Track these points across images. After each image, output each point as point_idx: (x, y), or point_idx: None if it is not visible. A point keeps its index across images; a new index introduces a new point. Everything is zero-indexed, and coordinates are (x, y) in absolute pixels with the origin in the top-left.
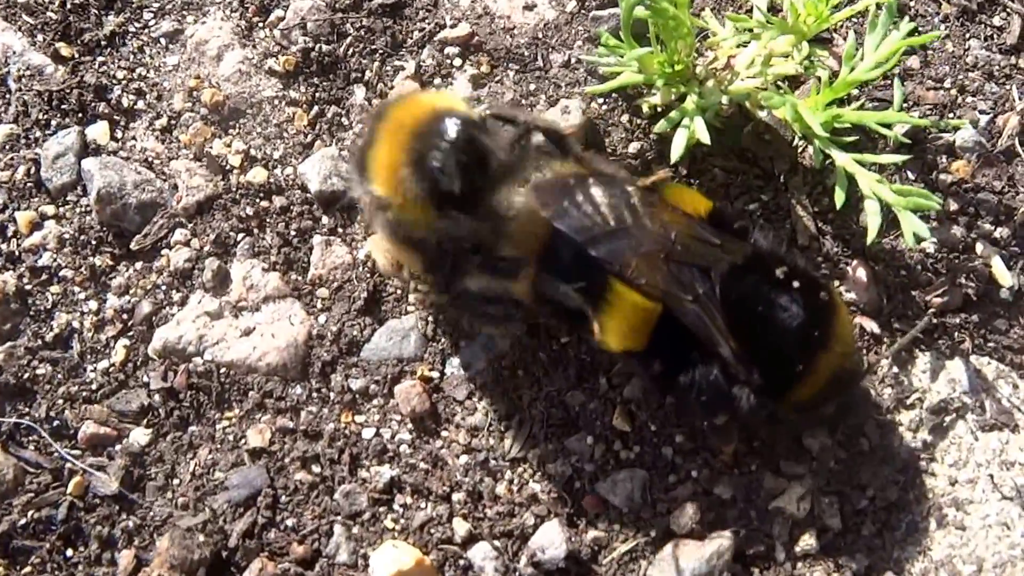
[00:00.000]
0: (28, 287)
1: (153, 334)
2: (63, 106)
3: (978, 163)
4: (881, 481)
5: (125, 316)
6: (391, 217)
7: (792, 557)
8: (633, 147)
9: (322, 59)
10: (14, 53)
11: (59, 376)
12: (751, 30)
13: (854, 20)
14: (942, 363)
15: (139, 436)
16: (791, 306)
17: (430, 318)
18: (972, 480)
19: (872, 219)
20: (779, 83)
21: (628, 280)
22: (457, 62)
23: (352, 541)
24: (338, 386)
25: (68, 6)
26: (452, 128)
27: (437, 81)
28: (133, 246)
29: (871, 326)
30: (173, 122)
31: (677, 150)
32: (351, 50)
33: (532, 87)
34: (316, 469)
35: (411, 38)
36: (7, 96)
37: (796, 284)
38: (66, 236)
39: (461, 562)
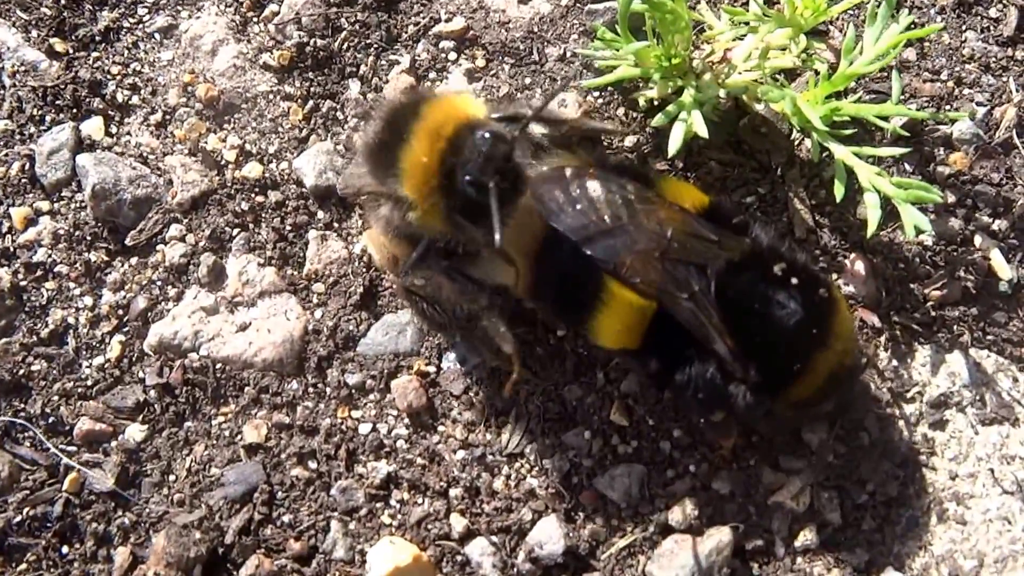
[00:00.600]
0: (23, 283)
1: (148, 330)
2: (57, 102)
3: (976, 155)
4: (881, 476)
5: (120, 312)
6: (400, 215)
7: (792, 552)
8: (629, 140)
9: (317, 54)
10: (8, 49)
11: (54, 372)
12: (748, 23)
13: (851, 13)
14: (941, 356)
15: (135, 432)
16: (789, 303)
17: None
18: (972, 474)
19: (872, 212)
20: (776, 76)
21: (623, 279)
22: (452, 56)
23: (349, 537)
24: (334, 381)
25: (62, 2)
26: (491, 146)
27: (432, 75)
28: (128, 242)
29: (871, 319)
30: (168, 117)
31: (674, 144)
32: (346, 44)
33: (527, 81)
34: (312, 465)
35: (406, 32)
36: (1, 92)
37: (795, 280)
38: (61, 232)
39: (459, 558)
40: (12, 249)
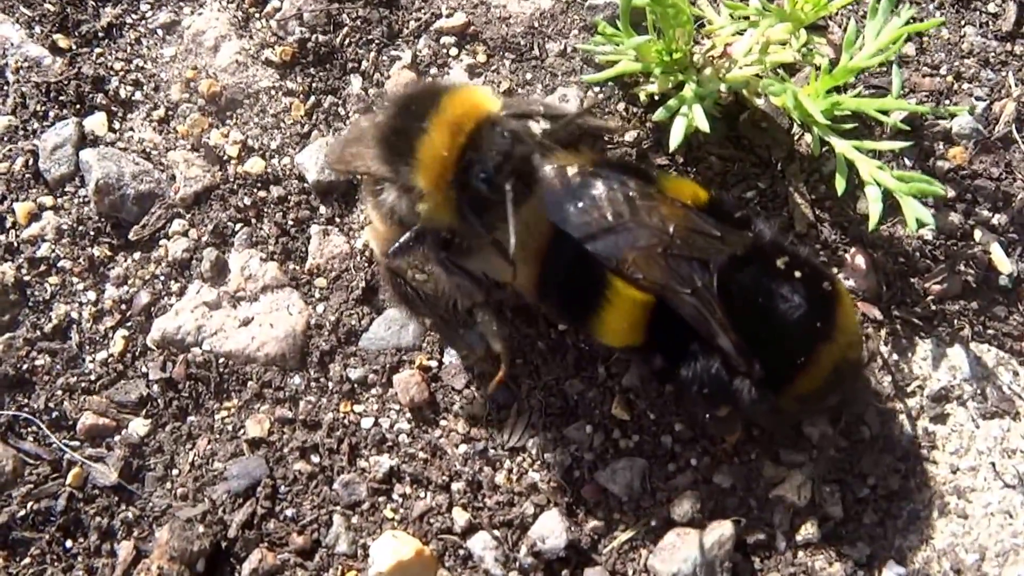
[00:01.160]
0: (27, 278)
1: (152, 324)
2: (61, 97)
3: (975, 150)
4: (882, 469)
5: (123, 307)
6: (408, 204)
7: (793, 546)
8: (630, 135)
9: (318, 49)
10: (12, 45)
11: (58, 367)
12: (748, 18)
13: (850, 8)
14: (942, 350)
15: (138, 427)
16: (793, 296)
17: None
18: (973, 468)
19: (873, 206)
20: (776, 71)
21: (626, 276)
22: (453, 51)
23: (351, 531)
24: (337, 376)
25: None
26: (511, 146)
27: (433, 71)
28: (131, 236)
29: (872, 313)
30: (170, 113)
31: (675, 139)
32: (347, 40)
33: (528, 76)
34: (315, 459)
35: (407, 28)
36: (5, 88)
37: (798, 274)
38: (64, 227)
39: (461, 552)
40: (16, 244)
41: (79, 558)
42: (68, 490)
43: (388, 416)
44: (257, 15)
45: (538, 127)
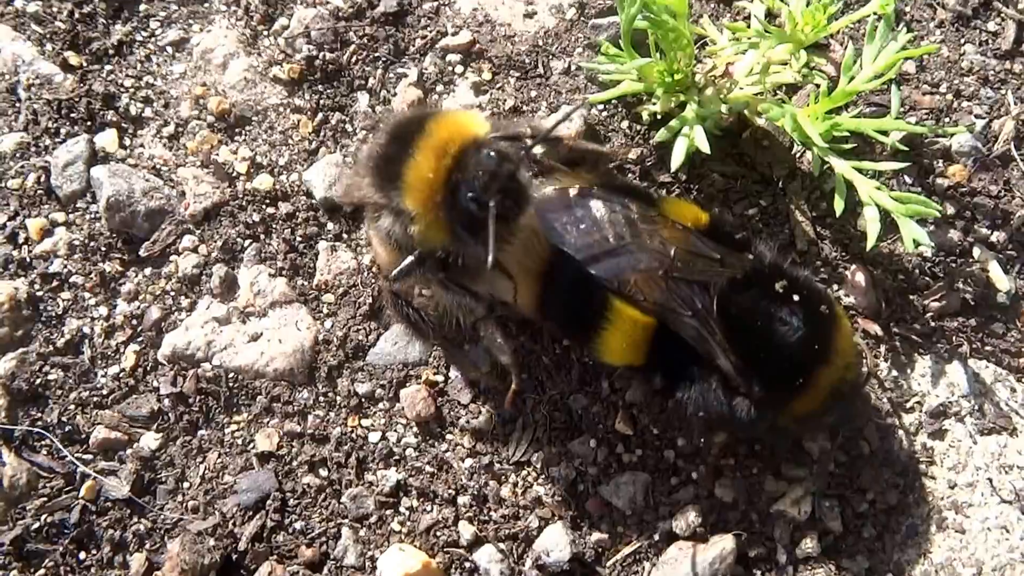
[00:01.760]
0: (39, 293)
1: (162, 340)
2: (72, 114)
3: (974, 167)
4: (881, 484)
5: (135, 322)
6: (401, 227)
7: (793, 560)
8: (633, 153)
9: (326, 67)
10: (24, 62)
11: (70, 381)
12: (749, 39)
13: (851, 26)
14: (941, 367)
15: (149, 441)
16: (791, 319)
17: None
18: (971, 483)
19: (871, 226)
20: (777, 90)
21: (627, 297)
22: (459, 69)
23: (359, 544)
24: (344, 390)
25: (76, 16)
26: (496, 165)
27: (439, 88)
28: (142, 252)
29: (872, 329)
30: (180, 129)
31: (677, 158)
32: (354, 58)
33: (533, 94)
34: (323, 472)
35: (413, 46)
36: (17, 105)
37: (797, 297)
38: (76, 243)
39: (467, 565)
40: (29, 260)
41: (92, 570)
42: (81, 503)
43: (395, 430)
44: (265, 33)
45: (539, 149)
